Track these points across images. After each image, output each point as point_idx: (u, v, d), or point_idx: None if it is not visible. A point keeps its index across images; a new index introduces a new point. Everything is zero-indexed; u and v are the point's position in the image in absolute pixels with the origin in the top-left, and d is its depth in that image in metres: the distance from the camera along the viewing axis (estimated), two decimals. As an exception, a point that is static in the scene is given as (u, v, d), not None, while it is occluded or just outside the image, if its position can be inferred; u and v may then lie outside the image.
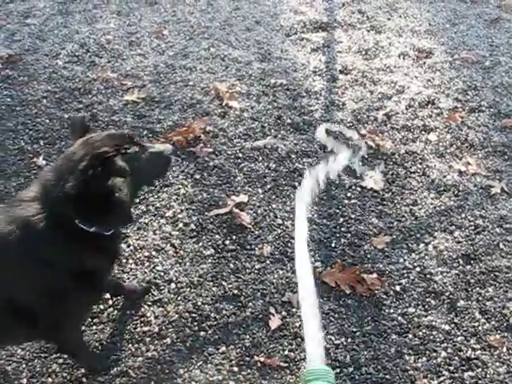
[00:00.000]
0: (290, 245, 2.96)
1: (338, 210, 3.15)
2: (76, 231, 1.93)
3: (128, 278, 2.83)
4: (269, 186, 3.28)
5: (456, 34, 4.60)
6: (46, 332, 2.19)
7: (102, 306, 2.71)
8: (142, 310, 2.70)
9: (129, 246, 2.97)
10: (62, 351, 2.49)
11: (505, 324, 2.69)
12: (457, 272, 2.89)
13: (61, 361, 2.52)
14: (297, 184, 3.28)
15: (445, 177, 3.36)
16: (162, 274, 2.86)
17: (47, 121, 3.76)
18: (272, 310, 2.68)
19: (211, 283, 2.81)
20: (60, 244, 1.96)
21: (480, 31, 4.63)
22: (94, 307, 2.63)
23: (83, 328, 2.61)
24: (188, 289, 2.79)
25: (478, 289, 2.82)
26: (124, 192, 1.87)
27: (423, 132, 3.67)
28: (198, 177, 3.33)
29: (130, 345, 2.58)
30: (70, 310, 2.12)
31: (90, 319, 2.66)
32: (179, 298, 2.75)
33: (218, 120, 3.69)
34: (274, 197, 3.23)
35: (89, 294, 2.18)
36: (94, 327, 2.64)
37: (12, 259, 1.93)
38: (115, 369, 2.49)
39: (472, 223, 3.12)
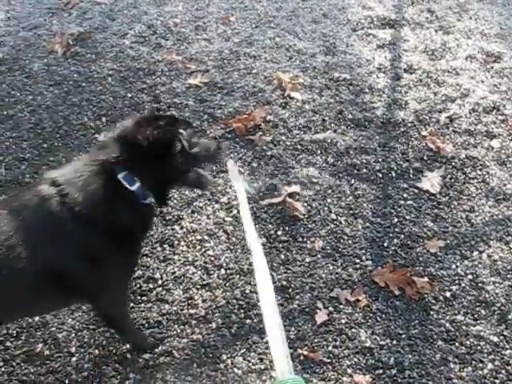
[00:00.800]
0: (342, 241, 2.95)
1: (392, 210, 3.12)
2: (123, 193, 2.08)
3: (179, 260, 2.88)
4: (326, 180, 3.27)
5: (529, 39, 4.48)
6: (92, 300, 2.32)
7: (150, 285, 2.76)
8: (190, 292, 2.74)
9: (182, 228, 3.02)
10: (108, 324, 2.55)
11: (557, 341, 2.63)
12: (510, 283, 2.83)
13: (108, 334, 2.58)
14: (354, 178, 3.27)
15: (505, 185, 3.28)
16: (213, 258, 2.89)
17: (111, 98, 3.83)
18: (319, 305, 2.68)
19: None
20: (107, 204, 2.09)
21: (553, 39, 4.49)
22: (131, 282, 2.71)
23: (131, 305, 2.67)
24: (237, 276, 2.82)
25: (530, 302, 2.77)
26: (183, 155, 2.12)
27: (486, 138, 3.58)
28: (255, 165, 3.34)
29: (176, 326, 2.62)
30: (112, 274, 2.21)
31: (138, 297, 2.72)
32: (228, 284, 2.78)
33: (278, 110, 3.69)
34: (329, 191, 3.22)
35: (128, 257, 2.28)
36: (142, 305, 2.69)
37: (58, 221, 2.05)
38: (160, 348, 2.54)
39: (528, 234, 3.05)
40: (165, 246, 2.94)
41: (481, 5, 4.89)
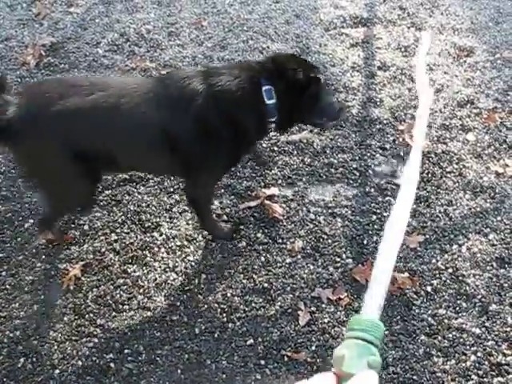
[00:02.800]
0: (321, 240, 2.96)
1: (370, 207, 3.13)
2: (258, 101, 2.54)
3: (160, 267, 2.87)
4: (303, 180, 3.28)
5: (499, 32, 4.50)
6: (186, 176, 2.77)
7: (132, 293, 2.76)
8: (172, 298, 2.74)
9: (161, 235, 3.01)
10: (192, 209, 2.98)
11: (538, 330, 2.66)
12: (490, 275, 2.85)
13: (91, 344, 2.57)
14: (332, 179, 3.28)
15: (481, 178, 3.30)
16: (193, 264, 2.88)
17: (86, 108, 3.81)
18: (301, 305, 2.69)
19: (241, 275, 2.83)
20: (240, 102, 2.52)
21: (524, 31, 4.53)
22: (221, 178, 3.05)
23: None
24: (218, 280, 2.81)
25: (511, 293, 2.78)
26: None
27: (461, 132, 3.61)
28: (232, 169, 3.34)
29: (159, 333, 2.61)
30: (212, 160, 2.62)
31: (120, 305, 2.71)
32: (209, 289, 2.77)
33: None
34: (307, 191, 3.22)
35: (230, 154, 2.67)
36: (125, 314, 2.68)
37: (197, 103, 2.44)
38: (143, 356, 2.54)
39: (508, 226, 3.07)
40: (145, 252, 2.94)
41: (452, 0, 4.92)
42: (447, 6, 4.84)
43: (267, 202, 3.14)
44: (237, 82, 2.50)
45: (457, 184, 3.28)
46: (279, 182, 3.26)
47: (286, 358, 2.50)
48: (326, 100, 2.74)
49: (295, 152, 3.43)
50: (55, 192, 2.65)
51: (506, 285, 2.81)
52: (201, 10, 4.74)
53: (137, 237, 3.00)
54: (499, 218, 3.10)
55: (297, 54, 3.02)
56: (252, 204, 3.14)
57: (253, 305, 2.70)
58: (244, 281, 2.80)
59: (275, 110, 2.57)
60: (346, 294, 2.73)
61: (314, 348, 2.54)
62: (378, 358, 0.84)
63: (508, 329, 2.64)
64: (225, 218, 3.09)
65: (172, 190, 3.24)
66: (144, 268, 2.87)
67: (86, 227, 3.07)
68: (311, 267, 2.85)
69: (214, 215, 3.05)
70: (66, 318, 2.68)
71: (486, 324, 2.66)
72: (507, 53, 4.26)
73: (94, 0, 4.97)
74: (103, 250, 2.95)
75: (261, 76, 2.55)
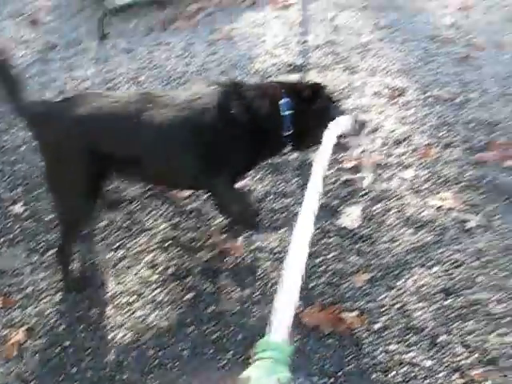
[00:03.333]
0: (269, 286, 2.97)
1: (315, 249, 3.16)
2: (276, 113, 2.82)
3: (107, 325, 2.82)
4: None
5: (428, 72, 4.69)
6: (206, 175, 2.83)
7: (80, 355, 2.69)
8: (121, 357, 2.69)
9: (107, 292, 2.96)
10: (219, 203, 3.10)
11: (487, 358, 2.69)
12: (436, 307, 2.90)
13: None
14: (276, 225, 3.31)
15: (421, 213, 3.39)
16: (141, 319, 2.85)
17: (26, 167, 3.78)
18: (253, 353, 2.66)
19: (190, 328, 2.80)
20: (259, 112, 2.80)
21: (450, 69, 4.72)
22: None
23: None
24: (168, 334, 2.78)
25: (458, 323, 2.83)
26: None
27: (399, 169, 3.71)
28: (176, 220, 3.34)
29: None
30: (232, 158, 2.82)
31: (68, 367, 2.64)
32: (159, 344, 2.73)
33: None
34: (253, 238, 3.24)
35: (248, 157, 2.90)
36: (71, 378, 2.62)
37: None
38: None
39: (450, 258, 3.14)
40: (92, 311, 2.89)
41: (382, 44, 5.12)
42: (378, 49, 5.03)
43: (215, 252, 3.15)
44: (257, 97, 2.81)
45: (398, 220, 3.35)
46: (223, 230, 3.28)
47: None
48: (339, 113, 2.90)
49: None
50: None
51: (452, 315, 2.86)
52: (138, 66, 4.80)
53: (83, 295, 2.95)
54: (441, 250, 3.17)
55: None
56: (201, 254, 3.15)
57: (204, 357, 2.67)
58: (194, 332, 2.78)
59: (290, 123, 2.85)
60: (296, 338, 2.72)
61: (268, 395, 2.52)
62: (287, 374, 0.85)
63: (458, 358, 2.68)
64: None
65: (117, 245, 3.22)
66: (91, 327, 2.81)
67: (28, 290, 3.01)
68: (260, 314, 2.85)
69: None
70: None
71: (437, 356, 2.69)
72: (437, 91, 4.44)
73: (31, 59, 4.98)
74: (48, 312, 2.88)
75: (281, 90, 2.86)
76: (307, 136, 2.96)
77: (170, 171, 2.83)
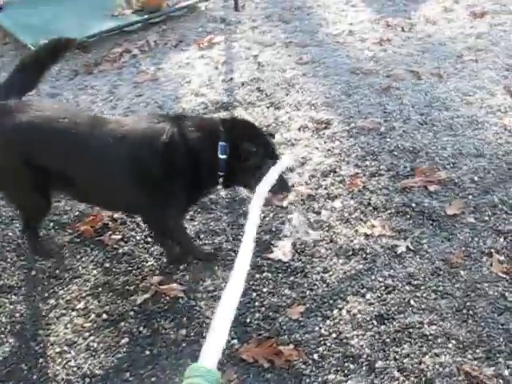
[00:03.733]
0: (204, 325, 2.94)
1: (249, 285, 3.16)
2: (212, 155, 2.86)
3: (39, 379, 2.73)
4: (180, 268, 3.28)
5: (351, 104, 4.82)
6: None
7: None
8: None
9: (38, 344, 2.87)
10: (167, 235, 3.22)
11: (423, 379, 2.74)
12: (372, 333, 2.94)
13: None
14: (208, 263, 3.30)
15: (352, 241, 3.45)
16: (76, 369, 2.77)
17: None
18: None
19: (128, 373, 2.74)
20: (195, 151, 2.85)
21: (373, 100, 4.87)
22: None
23: None
24: (104, 382, 2.71)
25: (394, 347, 2.88)
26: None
27: (328, 200, 3.78)
28: (107, 265, 3.29)
29: None
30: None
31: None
32: (95, 393, 2.67)
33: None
34: (186, 277, 3.22)
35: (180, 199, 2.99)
36: None
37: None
38: None
39: (382, 284, 3.20)
40: (22, 366, 2.79)
41: (305, 78, 5.24)
42: (302, 84, 5.14)
43: (147, 295, 3.11)
44: (195, 136, 2.85)
45: (330, 250, 3.40)
46: (156, 272, 3.24)
47: None
48: (268, 173, 2.84)
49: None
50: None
51: (388, 340, 2.90)
52: (63, 111, 4.74)
53: (11, 350, 2.85)
54: (373, 277, 3.23)
55: (256, 125, 3.35)
56: (135, 298, 3.10)
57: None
58: (131, 379, 2.72)
59: (224, 166, 2.89)
60: (235, 376, 2.71)
61: None
62: None
63: (396, 382, 2.72)
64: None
65: (47, 294, 3.13)
66: (21, 382, 2.71)
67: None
68: (197, 353, 2.80)
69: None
70: None
71: (375, 382, 2.72)
72: (360, 122, 4.56)
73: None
74: (-26, 370, 2.77)
75: (220, 132, 2.90)
76: (238, 180, 3.09)
77: (106, 194, 2.97)
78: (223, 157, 2.86)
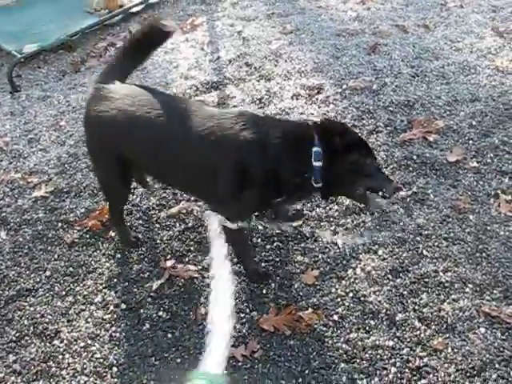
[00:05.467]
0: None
1: (260, 257, 3.18)
2: (307, 161, 2.61)
3: (68, 374, 2.76)
4: (191, 250, 3.30)
5: (341, 66, 4.78)
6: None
7: None
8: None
9: (62, 341, 2.91)
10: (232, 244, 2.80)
11: (444, 326, 2.77)
12: (389, 288, 2.97)
13: None
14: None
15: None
16: (102, 360, 2.80)
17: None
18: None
19: (153, 358, 2.77)
20: (289, 158, 2.65)
21: (362, 59, 4.83)
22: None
23: None
24: (131, 369, 2.74)
25: (412, 299, 2.91)
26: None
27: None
28: (119, 256, 3.31)
29: None
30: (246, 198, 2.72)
31: None
32: (123, 381, 2.69)
33: (129, 197, 3.69)
34: (199, 257, 3.23)
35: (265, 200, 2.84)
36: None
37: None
38: None
39: (393, 238, 3.21)
40: (50, 364, 2.82)
41: (292, 47, 5.20)
42: (289, 53, 5.11)
43: (170, 273, 3.15)
44: (289, 141, 2.66)
45: (337, 212, 3.40)
46: (168, 257, 3.26)
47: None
48: (372, 174, 2.69)
49: (177, 224, 3.45)
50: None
51: (405, 292, 2.93)
52: (56, 111, 4.73)
53: (37, 350, 2.87)
54: (383, 233, 3.25)
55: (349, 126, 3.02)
56: (161, 281, 3.13)
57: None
58: (157, 363, 2.75)
59: (319, 174, 2.64)
60: (258, 346, 2.73)
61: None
62: None
63: (417, 332, 2.75)
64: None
65: (64, 293, 3.15)
66: (51, 380, 2.74)
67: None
68: (219, 330, 2.84)
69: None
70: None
71: (397, 334, 2.76)
72: (352, 82, 4.54)
73: None
74: (2, 375, 2.79)
75: (313, 137, 2.64)
76: (338, 189, 2.85)
77: (191, 184, 2.98)
78: (318, 164, 2.61)
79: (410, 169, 3.66)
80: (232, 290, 1.58)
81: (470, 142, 3.82)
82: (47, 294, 3.16)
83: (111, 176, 3.10)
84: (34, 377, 2.77)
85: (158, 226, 3.47)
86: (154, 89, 3.19)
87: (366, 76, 4.62)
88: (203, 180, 2.82)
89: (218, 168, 2.69)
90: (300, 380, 2.59)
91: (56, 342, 2.91)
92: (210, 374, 0.93)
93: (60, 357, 2.84)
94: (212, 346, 1.07)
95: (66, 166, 4.06)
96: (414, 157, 3.73)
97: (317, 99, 4.43)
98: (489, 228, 3.22)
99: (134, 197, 3.68)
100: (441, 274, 3.00)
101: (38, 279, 3.25)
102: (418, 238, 3.21)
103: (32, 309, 3.09)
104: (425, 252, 3.13)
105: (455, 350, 2.66)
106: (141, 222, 3.51)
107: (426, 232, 3.23)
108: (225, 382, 0.90)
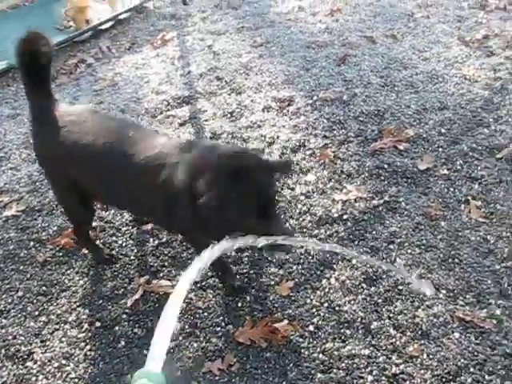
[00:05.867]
0: (198, 316, 2.95)
1: (236, 269, 3.17)
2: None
3: (41, 396, 2.72)
4: (166, 264, 3.28)
5: (311, 77, 4.82)
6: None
7: None
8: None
9: (36, 362, 2.86)
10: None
11: (419, 332, 2.79)
12: (363, 297, 2.98)
13: None
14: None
15: (330, 210, 3.47)
16: (77, 380, 2.77)
17: None
18: (194, 384, 2.65)
19: (129, 376, 2.74)
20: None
21: (332, 70, 4.88)
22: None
23: None
24: (107, 385, 2.72)
25: (386, 307, 2.91)
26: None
27: (301, 174, 3.79)
28: (93, 273, 3.27)
29: None
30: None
31: None
32: (100, 400, 2.67)
33: (101, 213, 3.66)
34: (173, 272, 3.22)
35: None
36: None
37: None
38: None
39: (366, 247, 3.23)
40: (22, 387, 2.78)
41: (262, 60, 5.24)
42: (259, 66, 5.14)
43: (144, 289, 3.13)
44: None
45: (311, 222, 3.42)
46: (142, 273, 3.24)
47: None
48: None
49: (151, 239, 3.44)
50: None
51: (379, 300, 2.94)
52: (26, 129, 4.69)
53: (9, 373, 2.82)
54: (356, 242, 3.27)
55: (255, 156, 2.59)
56: (136, 297, 3.10)
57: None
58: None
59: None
60: (234, 360, 2.72)
61: (218, 423, 2.50)
62: None
63: (393, 340, 2.76)
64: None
65: (37, 312, 3.11)
66: (24, 403, 2.71)
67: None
68: (195, 345, 2.82)
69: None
70: None
71: (373, 342, 2.76)
72: (322, 93, 4.58)
73: None
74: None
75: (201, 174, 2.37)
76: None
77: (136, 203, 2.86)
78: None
79: (382, 178, 3.69)
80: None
81: (440, 149, 3.87)
82: (19, 315, 3.12)
83: (69, 200, 3.09)
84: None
85: (131, 242, 3.45)
86: (99, 112, 3.08)
87: (336, 87, 4.66)
88: (153, 211, 2.76)
89: (154, 200, 2.63)
90: (277, 392, 2.59)
91: (29, 363, 2.87)
92: (149, 372, 0.95)
93: (33, 379, 2.79)
94: (153, 345, 1.10)
95: (37, 184, 4.02)
96: (386, 166, 3.76)
97: (288, 111, 4.46)
98: (460, 234, 3.25)
99: (107, 214, 3.65)
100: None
101: (10, 300, 3.21)
102: (391, 246, 3.23)
103: (4, 330, 3.04)
104: (398, 259, 3.15)
105: (430, 356, 2.67)
106: (114, 238, 3.48)
107: (399, 240, 3.26)
108: (164, 380, 0.94)
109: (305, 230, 3.38)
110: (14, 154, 4.43)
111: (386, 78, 4.69)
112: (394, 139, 3.98)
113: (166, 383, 1.00)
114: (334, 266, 3.14)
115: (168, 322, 1.21)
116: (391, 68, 4.82)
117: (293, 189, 3.68)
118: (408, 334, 2.78)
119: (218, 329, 2.88)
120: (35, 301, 3.18)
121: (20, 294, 3.24)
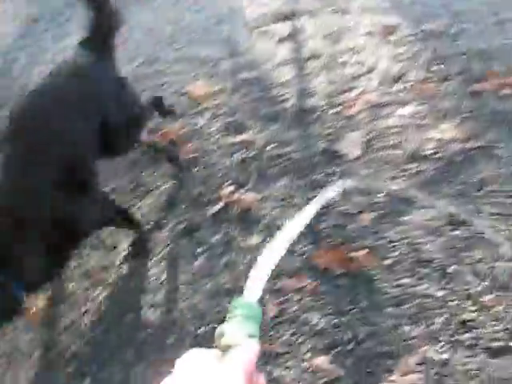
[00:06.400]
0: (276, 231, 2.99)
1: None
2: None
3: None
4: (255, 176, 3.33)
5: (419, 6, 4.61)
6: None
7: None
8: (142, 312, 2.77)
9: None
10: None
11: (497, 284, 2.74)
12: (445, 239, 2.93)
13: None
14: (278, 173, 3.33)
15: (423, 147, 3.38)
16: (154, 278, 2.90)
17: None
18: (267, 299, 2.71)
19: (206, 279, 2.86)
20: None
21: (441, 1, 4.65)
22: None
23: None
24: (183, 286, 2.83)
25: (467, 253, 2.86)
26: None
27: (397, 106, 3.69)
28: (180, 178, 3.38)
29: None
30: None
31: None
32: (175, 298, 2.80)
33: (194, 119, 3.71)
34: (261, 186, 3.26)
35: None
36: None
37: None
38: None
39: (453, 190, 3.15)
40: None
41: (370, -18, 5.02)
42: (368, -13, 4.93)
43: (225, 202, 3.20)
44: None
45: (400, 156, 3.35)
46: (230, 181, 3.31)
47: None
48: None
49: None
50: None
51: (460, 245, 2.89)
52: None
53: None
54: (444, 184, 3.18)
55: None
56: (214, 209, 3.19)
57: (218, 309, 2.74)
58: (208, 284, 2.83)
59: None
60: (309, 281, 2.77)
61: (286, 337, 2.58)
62: (257, 330, 0.90)
63: (469, 286, 2.73)
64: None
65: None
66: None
67: None
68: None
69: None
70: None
71: (448, 286, 2.74)
72: (429, 24, 4.37)
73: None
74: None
75: None
76: None
77: None
78: None
79: (481, 121, 3.54)
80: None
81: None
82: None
83: None
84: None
85: (221, 151, 3.50)
86: None
87: (443, 19, 4.43)
88: None
89: None
90: (348, 317, 2.63)
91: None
92: (246, 303, 0.97)
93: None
94: (254, 275, 1.10)
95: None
96: (486, 109, 3.60)
97: (391, 39, 4.30)
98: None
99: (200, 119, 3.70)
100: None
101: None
102: (479, 193, 3.13)
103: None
104: (484, 208, 3.07)
105: (506, 310, 2.64)
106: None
107: (490, 188, 3.16)
108: (259, 313, 0.95)
109: (391, 164, 3.33)
110: None
111: (500, 15, 4.41)
112: (498, 83, 3.79)
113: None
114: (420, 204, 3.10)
115: (276, 253, 1.20)
116: (507, 5, 4.54)
117: (386, 120, 3.60)
118: (485, 283, 2.74)
119: (296, 248, 2.92)
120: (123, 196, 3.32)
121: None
